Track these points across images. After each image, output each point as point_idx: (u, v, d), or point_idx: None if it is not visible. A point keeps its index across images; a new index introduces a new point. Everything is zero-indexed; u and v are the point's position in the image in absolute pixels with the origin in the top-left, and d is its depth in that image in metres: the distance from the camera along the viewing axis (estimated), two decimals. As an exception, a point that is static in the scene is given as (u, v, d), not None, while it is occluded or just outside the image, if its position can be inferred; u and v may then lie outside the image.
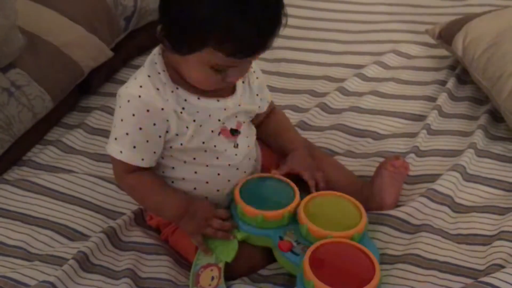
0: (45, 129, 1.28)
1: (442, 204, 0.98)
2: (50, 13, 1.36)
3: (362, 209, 0.90)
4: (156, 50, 0.89)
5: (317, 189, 0.95)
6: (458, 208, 0.99)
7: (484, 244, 0.91)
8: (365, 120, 1.26)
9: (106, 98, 1.38)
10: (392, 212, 0.96)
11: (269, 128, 1.04)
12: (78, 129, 1.27)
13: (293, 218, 0.92)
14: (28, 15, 1.30)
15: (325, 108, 1.31)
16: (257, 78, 0.98)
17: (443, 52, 1.50)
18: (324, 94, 1.37)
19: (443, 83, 1.37)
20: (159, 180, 0.90)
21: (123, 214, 1.02)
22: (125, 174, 0.89)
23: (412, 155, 1.11)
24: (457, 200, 1.00)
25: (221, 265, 0.88)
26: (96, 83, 1.43)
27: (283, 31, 1.66)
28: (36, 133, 1.24)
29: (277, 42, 1.58)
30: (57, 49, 1.28)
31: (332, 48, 1.61)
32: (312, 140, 1.14)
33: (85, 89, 1.42)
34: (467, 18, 1.37)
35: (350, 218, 0.89)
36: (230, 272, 0.87)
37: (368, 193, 0.99)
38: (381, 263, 0.84)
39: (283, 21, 0.80)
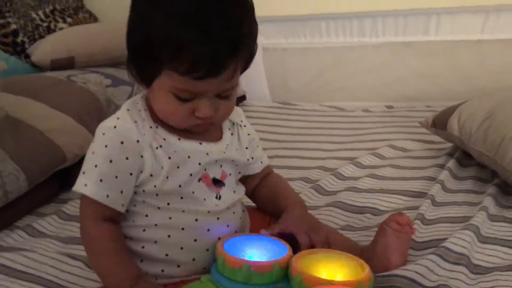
0: (17, 216, 1.18)
1: (457, 264, 0.84)
2: (39, 104, 1.36)
3: (365, 264, 0.77)
4: (139, 94, 0.85)
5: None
6: (477, 270, 0.85)
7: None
8: (363, 198, 1.16)
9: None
10: (399, 271, 0.82)
11: (264, 191, 0.95)
12: (53, 215, 1.17)
13: (285, 274, 0.78)
14: (16, 106, 1.30)
15: (319, 189, 1.22)
16: (248, 134, 0.92)
17: (439, 145, 1.47)
18: (318, 180, 1.29)
19: (442, 166, 1.30)
20: (120, 241, 0.79)
21: (88, 292, 0.87)
22: (87, 220, 0.78)
23: (418, 221, 0.99)
24: (475, 262, 0.86)
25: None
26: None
27: (274, 134, 1.66)
28: (6, 218, 1.14)
29: (268, 145, 1.60)
30: (40, 133, 1.25)
31: (325, 147, 1.58)
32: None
33: (67, 183, 1.35)
34: (458, 104, 1.36)
35: (351, 272, 0.75)
36: None
37: (370, 255, 0.85)
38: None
39: (245, 51, 0.76)
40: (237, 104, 2.05)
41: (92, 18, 2.26)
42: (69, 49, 1.76)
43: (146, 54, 0.75)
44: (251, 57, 0.79)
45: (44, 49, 1.76)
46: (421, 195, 1.16)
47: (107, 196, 0.76)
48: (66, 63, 1.74)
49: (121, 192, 0.77)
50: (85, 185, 0.76)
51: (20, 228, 1.12)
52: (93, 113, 1.42)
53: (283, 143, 1.64)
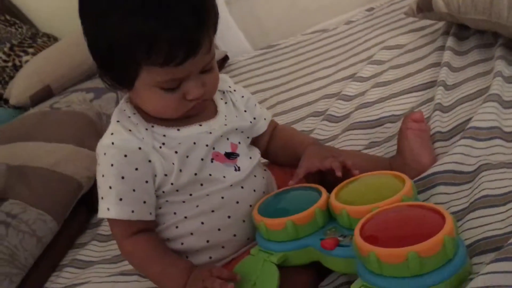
0: (60, 255, 1.19)
1: (490, 139, 0.82)
2: (35, 144, 1.34)
3: (402, 175, 0.75)
4: (123, 100, 0.83)
5: (345, 175, 0.80)
6: (512, 137, 0.82)
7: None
8: (377, 109, 1.13)
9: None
10: (437, 168, 0.80)
11: (277, 145, 0.93)
12: (92, 242, 1.17)
13: (328, 216, 0.77)
14: (13, 154, 1.28)
15: (331, 118, 1.19)
16: (242, 96, 0.90)
17: (432, 28, 1.41)
18: (327, 110, 1.26)
19: (442, 48, 1.25)
20: (160, 246, 0.79)
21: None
22: (122, 239, 0.78)
23: (438, 112, 0.96)
24: (507, 129, 0.83)
25: (267, 300, 0.72)
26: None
27: (269, 82, 1.61)
28: (51, 261, 1.15)
29: (266, 94, 1.56)
30: (47, 171, 1.23)
31: (322, 74, 1.54)
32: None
33: (94, 206, 1.34)
34: (437, -20, 1.29)
35: (392, 187, 0.72)
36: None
37: (400, 163, 0.84)
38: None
39: (212, 14, 0.73)
40: (222, 66, 2.01)
41: (51, 39, 2.20)
42: (42, 79, 1.72)
43: (118, 59, 0.72)
44: (217, 17, 0.76)
45: (18, 89, 1.72)
46: (431, 85, 1.12)
47: (132, 211, 0.75)
48: (45, 93, 1.71)
49: (144, 202, 0.76)
50: (108, 209, 0.75)
51: (67, 265, 1.12)
52: (89, 131, 1.39)
53: (280, 87, 1.60)
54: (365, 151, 1.00)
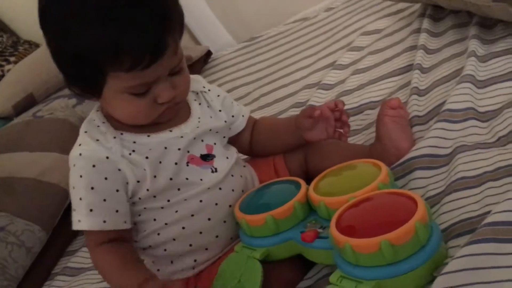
0: (52, 264, 1.19)
1: (465, 120, 0.82)
2: (21, 154, 1.34)
3: (378, 162, 0.75)
4: (94, 109, 0.83)
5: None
6: (487, 116, 0.82)
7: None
8: (356, 97, 1.13)
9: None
10: (414, 153, 0.80)
11: (263, 135, 0.93)
12: (82, 248, 1.17)
13: (309, 208, 0.77)
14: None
15: (312, 108, 1.19)
16: (218, 96, 0.89)
17: (408, 11, 1.41)
18: (308, 100, 1.26)
19: (419, 30, 1.25)
20: (124, 257, 0.76)
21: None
22: (93, 247, 0.77)
23: (414, 96, 0.96)
24: (482, 109, 0.84)
25: (251, 296, 0.72)
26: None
27: (252, 75, 1.61)
28: (43, 270, 1.15)
29: (250, 88, 1.56)
30: (33, 181, 1.23)
31: (304, 64, 1.53)
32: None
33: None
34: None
35: (369, 175, 0.73)
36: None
37: (380, 150, 0.84)
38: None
39: (175, 14, 0.72)
40: (206, 61, 1.99)
41: (33, 46, 2.18)
42: (24, 87, 1.71)
43: (83, 68, 0.71)
44: (182, 17, 0.75)
45: (1, 99, 1.71)
46: (409, 68, 1.12)
47: (104, 221, 0.74)
48: (28, 102, 1.69)
49: (117, 211, 0.76)
50: (79, 221, 0.75)
51: (59, 274, 1.13)
52: (73, 138, 1.36)
53: (264, 79, 1.59)
54: (346, 140, 0.99)
